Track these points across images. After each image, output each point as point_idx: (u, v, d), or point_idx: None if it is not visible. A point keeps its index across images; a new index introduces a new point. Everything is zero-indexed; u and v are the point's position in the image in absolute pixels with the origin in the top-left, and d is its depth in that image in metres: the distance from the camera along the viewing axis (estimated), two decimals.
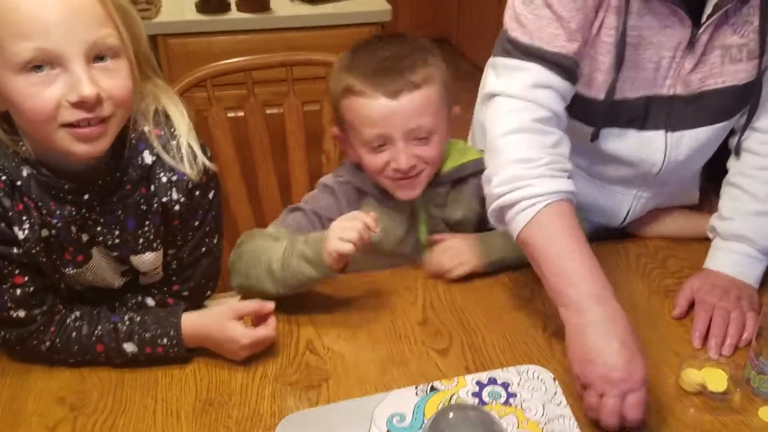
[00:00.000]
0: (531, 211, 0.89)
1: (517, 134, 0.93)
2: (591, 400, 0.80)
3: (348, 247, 0.90)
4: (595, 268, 0.85)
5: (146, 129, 0.86)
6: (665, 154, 1.04)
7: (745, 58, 0.98)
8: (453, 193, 1.11)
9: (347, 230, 0.91)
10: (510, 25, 0.97)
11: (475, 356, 0.93)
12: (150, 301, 0.95)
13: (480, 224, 1.11)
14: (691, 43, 0.96)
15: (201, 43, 1.92)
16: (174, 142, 0.88)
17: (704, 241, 1.10)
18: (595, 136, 1.02)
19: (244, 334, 0.88)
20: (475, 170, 1.06)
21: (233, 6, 1.98)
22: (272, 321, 0.90)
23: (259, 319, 0.91)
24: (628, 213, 1.15)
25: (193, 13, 1.96)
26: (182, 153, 0.88)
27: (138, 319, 0.89)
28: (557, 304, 0.87)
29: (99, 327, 0.88)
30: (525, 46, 0.94)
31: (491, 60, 1.01)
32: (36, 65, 0.73)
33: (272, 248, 0.98)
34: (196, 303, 0.98)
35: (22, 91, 0.74)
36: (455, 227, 1.11)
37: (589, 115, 1.01)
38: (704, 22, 0.95)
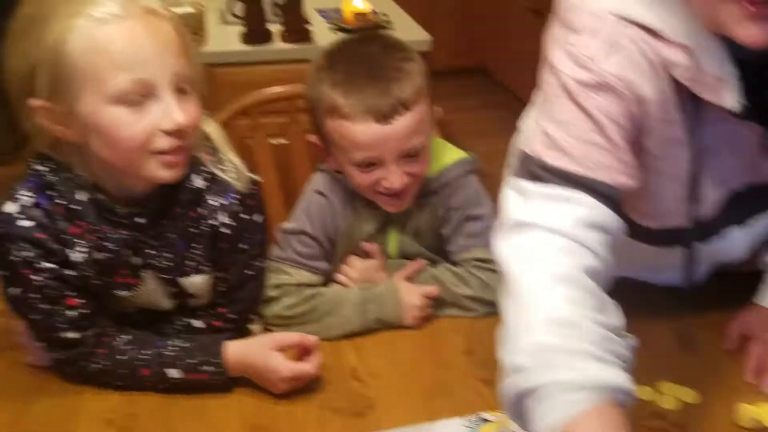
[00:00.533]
0: (564, 410, 0.63)
1: (558, 285, 0.70)
2: None
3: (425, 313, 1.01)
4: None
5: (198, 154, 0.89)
6: (744, 247, 0.98)
7: None
8: (422, 199, 1.06)
9: (420, 303, 1.01)
10: (540, 150, 0.78)
11: None
12: (197, 323, 0.96)
13: (437, 235, 1.09)
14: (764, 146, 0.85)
15: (245, 72, 1.96)
16: (219, 161, 0.91)
17: (757, 274, 1.08)
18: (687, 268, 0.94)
19: (286, 366, 0.88)
20: (449, 179, 1.06)
21: (276, 36, 2.03)
22: (316, 359, 0.90)
23: (302, 353, 0.91)
24: (691, 270, 0.98)
25: (238, 43, 2.01)
26: (229, 168, 0.91)
27: (183, 345, 0.90)
28: None
29: (145, 351, 0.90)
30: (567, 173, 0.76)
31: (512, 182, 0.81)
32: (131, 95, 0.76)
33: (340, 319, 1.01)
34: (242, 325, 0.99)
35: (117, 120, 0.77)
36: (416, 233, 1.08)
37: (656, 238, 0.94)
38: None
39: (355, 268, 1.07)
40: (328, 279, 1.07)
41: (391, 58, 0.98)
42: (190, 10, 1.91)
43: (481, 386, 0.92)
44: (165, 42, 0.78)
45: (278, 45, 2.02)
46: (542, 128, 0.80)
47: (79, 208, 0.83)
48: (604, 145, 0.77)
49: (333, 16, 2.21)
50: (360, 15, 2.10)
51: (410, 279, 1.05)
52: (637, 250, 0.94)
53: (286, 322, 1.00)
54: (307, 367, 0.89)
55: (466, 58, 3.99)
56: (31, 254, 0.82)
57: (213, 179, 0.90)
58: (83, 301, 0.86)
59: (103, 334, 0.89)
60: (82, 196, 0.83)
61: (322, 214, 1.05)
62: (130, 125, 0.77)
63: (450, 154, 1.07)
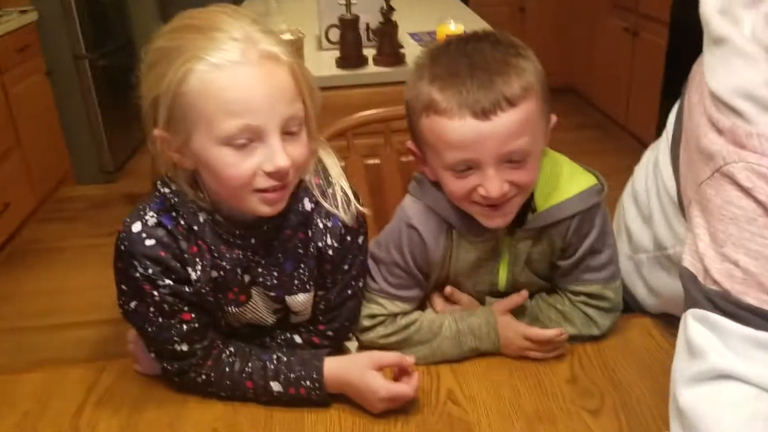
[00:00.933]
0: None
1: None
2: None
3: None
4: None
5: (307, 178, 0.91)
6: None
7: None
8: (542, 230, 0.97)
9: (521, 345, 0.97)
10: (734, 287, 0.65)
11: (629, 418, 0.87)
12: (297, 338, 0.98)
13: (550, 264, 1.01)
14: None
15: (340, 95, 2.00)
16: (330, 190, 0.92)
17: None
18: None
19: (384, 386, 0.88)
20: (575, 213, 0.95)
21: (370, 61, 2.06)
22: (414, 380, 0.90)
23: (400, 373, 0.91)
24: None
25: (333, 68, 2.06)
26: (338, 200, 0.92)
27: (285, 359, 0.92)
28: None
29: (249, 364, 0.92)
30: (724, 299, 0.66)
31: (700, 313, 0.68)
32: (238, 138, 0.79)
33: (435, 350, 0.98)
34: (339, 342, 1.00)
35: (223, 160, 0.80)
36: (528, 262, 1.00)
37: None
38: None
39: (450, 304, 1.03)
40: (422, 304, 1.05)
41: (500, 53, 0.86)
42: (290, 37, 1.97)
43: (586, 415, 0.89)
44: (279, 89, 0.79)
45: (372, 68, 2.05)
46: (731, 258, 0.66)
47: (199, 228, 0.86)
48: None
49: (426, 39, 2.23)
50: None
51: (511, 311, 1.00)
52: None
53: (379, 348, 0.99)
54: (404, 388, 0.89)
55: (557, 77, 3.93)
56: (153, 271, 0.85)
57: (322, 198, 0.92)
58: (196, 315, 0.89)
59: (212, 347, 0.92)
60: (201, 217, 0.87)
61: (413, 248, 0.97)
62: (235, 166, 0.80)
63: (578, 181, 0.95)
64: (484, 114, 0.83)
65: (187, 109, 0.78)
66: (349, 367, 0.91)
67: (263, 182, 0.81)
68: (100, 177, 3.48)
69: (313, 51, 2.24)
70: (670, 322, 1.04)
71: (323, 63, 2.11)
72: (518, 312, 1.01)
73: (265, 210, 0.84)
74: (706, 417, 0.63)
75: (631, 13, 3.47)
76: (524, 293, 1.00)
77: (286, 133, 0.81)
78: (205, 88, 0.77)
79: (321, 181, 0.92)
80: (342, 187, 0.93)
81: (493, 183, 0.86)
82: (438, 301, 1.04)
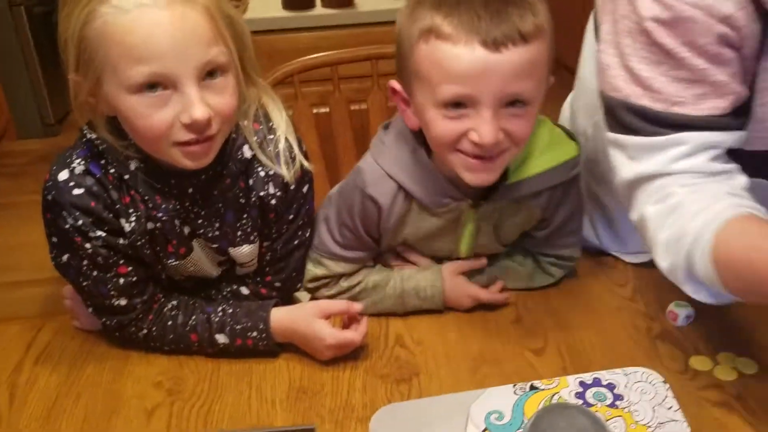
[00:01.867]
0: (709, 236, 0.71)
1: (654, 205, 0.78)
2: None
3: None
4: None
5: (245, 123, 0.87)
6: None
7: None
8: (518, 201, 0.92)
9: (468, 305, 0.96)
10: (630, 91, 0.78)
11: (573, 357, 0.89)
12: (244, 290, 0.96)
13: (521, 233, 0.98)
14: None
15: (286, 39, 1.94)
16: (272, 138, 0.88)
17: None
18: None
19: (331, 334, 0.87)
20: (557, 183, 0.91)
21: (318, 2, 2.00)
22: (362, 327, 0.89)
23: (349, 321, 0.91)
24: None
25: (279, 9, 1.98)
26: (279, 150, 0.88)
27: (230, 311, 0.90)
28: None
29: (193, 317, 0.90)
30: (660, 117, 0.76)
31: (612, 138, 0.82)
32: (149, 86, 0.74)
33: (379, 306, 0.97)
34: (287, 293, 0.98)
35: (135, 110, 0.75)
36: (500, 233, 0.96)
37: None
38: None
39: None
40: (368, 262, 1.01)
41: None
42: None
43: (530, 355, 0.90)
44: (191, 32, 0.74)
45: (320, 10, 1.98)
46: (629, 64, 0.77)
47: (130, 177, 0.83)
48: (693, 77, 0.75)
49: None
50: None
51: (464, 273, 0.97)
52: None
53: None
54: (352, 334, 0.88)
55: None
56: (83, 222, 0.82)
57: (262, 147, 0.88)
58: (133, 268, 0.87)
59: (153, 301, 0.90)
60: (132, 165, 0.83)
61: (366, 215, 0.92)
62: (147, 117, 0.75)
63: (559, 151, 0.90)
64: (494, 45, 0.74)
65: (92, 53, 0.74)
66: (295, 315, 0.90)
67: (182, 135, 0.76)
68: (41, 130, 3.33)
69: None
70: (612, 264, 1.06)
71: (269, 4, 2.03)
72: (475, 271, 0.99)
73: (188, 164, 0.80)
74: (640, 202, 0.79)
75: None
76: (483, 260, 0.98)
77: (206, 81, 0.76)
78: (108, 32, 0.72)
79: (261, 126, 0.88)
80: (286, 138, 0.89)
81: (489, 127, 0.77)
82: (398, 263, 1.01)
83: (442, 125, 0.80)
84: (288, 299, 0.98)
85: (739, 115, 0.77)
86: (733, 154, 0.80)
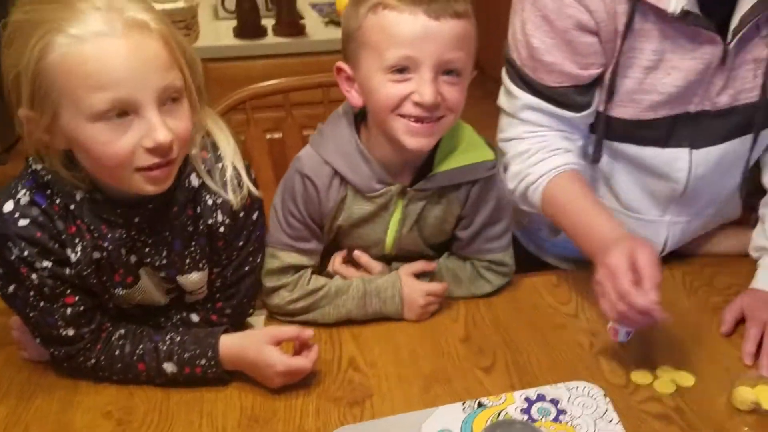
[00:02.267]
0: (536, 194, 1.02)
1: (513, 140, 1.05)
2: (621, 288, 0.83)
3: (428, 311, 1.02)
4: (606, 217, 0.95)
5: (193, 152, 0.87)
6: (689, 172, 1.02)
7: None
8: (439, 194, 1.00)
9: (423, 303, 1.00)
10: (513, 44, 1.03)
11: (520, 374, 0.92)
12: (194, 317, 0.96)
13: (443, 231, 1.04)
14: (723, 60, 0.95)
15: (238, 67, 1.96)
16: (219, 165, 0.89)
17: (751, 258, 1.09)
18: (597, 150, 1.05)
19: (281, 361, 0.87)
20: (475, 179, 0.99)
21: (269, 31, 2.02)
22: (313, 354, 0.90)
23: (301, 347, 0.91)
24: (666, 242, 1.11)
25: (231, 38, 2.00)
26: (226, 178, 0.89)
27: (178, 339, 0.90)
28: (590, 257, 0.93)
29: (141, 346, 0.89)
30: (523, 74, 1.02)
31: (504, 76, 1.06)
32: (111, 113, 0.74)
33: (340, 309, 1.00)
34: (239, 320, 0.99)
35: (96, 138, 0.75)
36: (421, 226, 1.02)
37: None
38: (731, 39, 0.93)
39: (355, 267, 1.04)
40: (319, 258, 1.05)
41: None
42: (182, 5, 1.90)
43: (480, 373, 0.92)
44: (149, 58, 0.75)
45: (272, 39, 2.01)
46: (525, 24, 0.99)
47: (76, 207, 0.82)
48: (562, 46, 0.97)
49: (327, 10, 2.21)
50: None
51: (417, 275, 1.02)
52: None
53: (286, 313, 1.00)
54: (302, 361, 0.88)
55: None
56: (29, 253, 0.81)
57: (209, 175, 0.88)
58: (80, 298, 0.86)
59: (101, 330, 0.89)
60: (78, 195, 0.82)
61: (306, 197, 0.98)
62: (110, 143, 0.75)
63: (480, 151, 1.00)
64: (435, 14, 0.85)
65: (49, 85, 0.74)
66: (245, 342, 0.90)
67: (145, 160, 0.77)
68: None
69: (210, 20, 2.18)
70: (556, 282, 1.10)
71: (220, 33, 2.05)
72: (421, 276, 1.03)
73: (150, 189, 0.80)
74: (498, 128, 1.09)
75: None
76: (433, 264, 1.03)
77: (166, 106, 0.78)
78: (66, 63, 0.73)
79: (209, 155, 0.89)
80: (234, 166, 0.90)
81: (429, 87, 0.87)
82: (350, 271, 1.04)
83: (387, 88, 0.88)
84: (239, 325, 0.99)
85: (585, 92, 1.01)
86: (598, 124, 1.02)
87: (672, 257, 1.15)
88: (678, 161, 1.02)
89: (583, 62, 0.99)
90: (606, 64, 0.99)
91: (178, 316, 0.96)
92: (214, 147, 0.90)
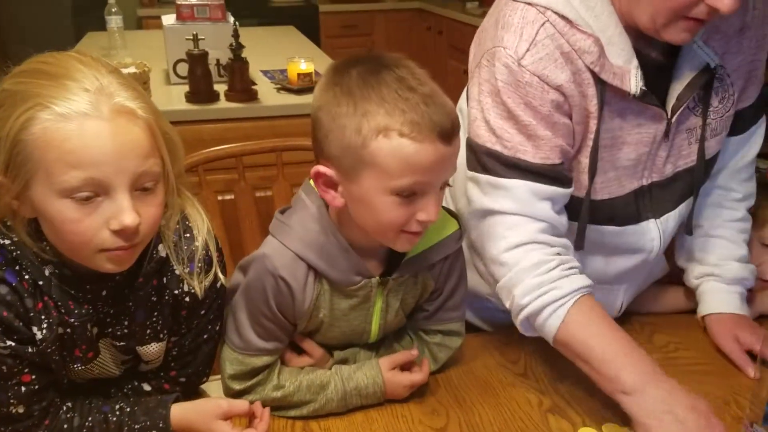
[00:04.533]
0: (562, 311, 0.94)
1: (523, 246, 0.97)
2: None
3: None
4: (638, 350, 0.91)
5: (162, 222, 0.86)
6: (659, 241, 1.09)
7: (710, 137, 1.06)
8: (415, 275, 0.98)
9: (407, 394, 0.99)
10: (487, 138, 0.97)
11: None
12: (146, 387, 0.95)
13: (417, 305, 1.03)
14: (666, 134, 1.02)
15: (191, 130, 1.97)
16: (188, 237, 0.89)
17: (683, 314, 1.17)
18: (580, 238, 1.02)
19: None
20: (447, 254, 0.98)
21: (222, 96, 2.06)
22: (263, 425, 0.88)
23: (252, 415, 0.90)
24: (621, 306, 1.17)
25: (183, 102, 2.03)
26: (195, 262, 0.88)
27: (128, 409, 0.88)
28: (615, 394, 0.91)
29: (90, 418, 0.87)
30: (508, 160, 0.96)
31: (470, 175, 1.00)
32: (81, 192, 0.74)
33: (322, 408, 0.96)
34: (193, 388, 0.98)
35: (63, 214, 0.75)
36: (404, 309, 1.01)
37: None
38: (673, 114, 1.00)
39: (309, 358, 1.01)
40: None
41: (419, 76, 0.85)
42: (133, 70, 1.92)
43: None
44: (130, 144, 0.76)
45: (225, 104, 2.05)
46: (487, 117, 0.97)
47: (44, 283, 0.80)
48: (534, 133, 0.95)
49: (278, 77, 2.26)
50: (303, 75, 2.16)
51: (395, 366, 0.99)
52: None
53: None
54: None
55: None
56: None
57: (178, 247, 0.88)
58: (37, 377, 0.83)
59: (51, 405, 0.86)
60: (47, 271, 0.81)
61: (280, 299, 0.92)
62: (77, 222, 0.75)
63: (445, 225, 0.98)
64: (447, 139, 0.83)
65: (26, 156, 0.74)
66: (195, 415, 0.88)
67: (109, 242, 0.77)
68: None
69: (162, 85, 2.20)
70: (506, 342, 1.13)
71: (172, 97, 2.07)
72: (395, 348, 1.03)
73: (110, 267, 0.80)
74: (489, 237, 1.00)
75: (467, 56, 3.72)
76: (415, 352, 1.00)
77: (138, 190, 0.78)
78: (48, 138, 0.73)
79: (177, 226, 0.88)
80: (207, 248, 0.89)
81: (435, 207, 0.85)
82: (291, 355, 1.01)
83: (395, 211, 0.84)
84: (192, 393, 0.98)
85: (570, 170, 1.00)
86: (579, 211, 1.01)
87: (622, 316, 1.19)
88: (650, 232, 1.08)
89: (569, 141, 0.99)
90: (573, 146, 1.00)
91: (129, 386, 0.94)
92: (187, 229, 0.90)
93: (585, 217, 1.02)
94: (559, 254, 0.98)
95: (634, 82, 0.95)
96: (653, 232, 1.08)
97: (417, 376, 0.99)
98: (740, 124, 1.11)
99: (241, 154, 1.47)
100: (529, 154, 0.96)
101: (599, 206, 1.04)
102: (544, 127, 0.95)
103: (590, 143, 0.99)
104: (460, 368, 1.07)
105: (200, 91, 2.02)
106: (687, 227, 1.12)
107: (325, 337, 1.00)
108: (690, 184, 1.08)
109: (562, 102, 0.95)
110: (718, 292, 1.13)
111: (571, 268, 0.97)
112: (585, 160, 1.00)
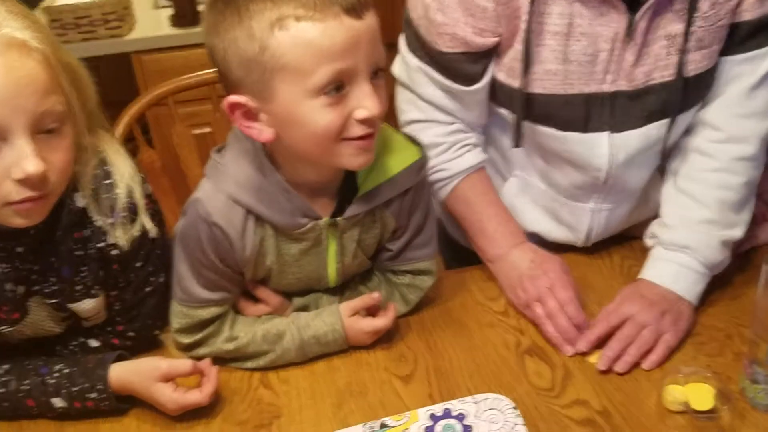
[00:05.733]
0: (447, 188, 1.02)
1: (418, 123, 1.00)
2: (537, 312, 0.92)
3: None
4: (510, 223, 1.01)
5: (76, 168, 0.79)
6: (609, 159, 0.94)
7: (693, 48, 0.88)
8: (373, 212, 0.89)
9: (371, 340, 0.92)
10: (413, 4, 0.95)
11: (440, 382, 0.86)
12: (93, 343, 0.90)
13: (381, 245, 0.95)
14: (630, 32, 0.86)
15: (177, 57, 1.88)
16: (111, 195, 0.81)
17: None
18: (516, 133, 0.97)
19: (171, 400, 0.81)
20: (408, 187, 0.89)
21: None
22: (209, 387, 0.82)
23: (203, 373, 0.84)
24: (591, 230, 1.03)
25: (168, 27, 1.91)
26: (117, 209, 0.81)
27: (66, 371, 0.83)
28: (485, 260, 1.02)
29: (27, 381, 0.83)
30: (418, 35, 0.95)
31: (399, 38, 1.00)
32: None
33: (280, 358, 0.90)
34: (144, 342, 0.93)
35: None
36: (365, 250, 0.93)
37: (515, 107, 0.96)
38: (641, 8, 0.85)
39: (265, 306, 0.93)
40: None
41: None
42: None
43: (397, 382, 0.87)
44: (25, 81, 0.69)
45: None
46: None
47: None
48: (462, 10, 0.90)
49: None
50: None
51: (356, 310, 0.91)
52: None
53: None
54: (196, 397, 0.82)
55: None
56: None
57: (97, 196, 0.82)
58: None
59: None
60: None
61: (217, 247, 0.84)
62: None
63: (404, 154, 0.88)
64: (355, 11, 0.72)
65: None
66: (133, 378, 0.82)
67: (15, 193, 0.71)
68: None
69: (148, 9, 2.08)
70: (489, 277, 1.03)
71: (157, 22, 1.96)
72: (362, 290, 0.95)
73: (20, 222, 0.74)
74: (398, 104, 1.04)
75: None
76: (377, 295, 0.91)
77: (41, 133, 0.71)
78: None
79: (98, 172, 0.82)
80: (130, 194, 0.82)
81: (374, 98, 0.75)
82: (246, 304, 0.94)
83: (325, 116, 0.74)
84: (146, 347, 0.92)
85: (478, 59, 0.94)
86: (513, 103, 0.95)
87: (611, 241, 1.07)
88: (598, 147, 0.94)
89: (477, 27, 0.90)
90: (504, 33, 0.90)
91: (75, 343, 0.90)
92: (107, 175, 0.82)
93: (520, 112, 0.94)
94: (455, 132, 1.00)
95: None
96: (603, 147, 0.93)
97: (380, 322, 0.90)
98: (739, 40, 0.91)
99: (215, 81, 1.37)
100: (447, 40, 0.92)
101: (536, 101, 0.92)
102: (450, 9, 0.90)
103: (523, 26, 0.87)
104: (435, 309, 0.98)
105: (185, 13, 1.90)
106: (662, 154, 0.96)
107: (279, 285, 0.92)
108: (673, 102, 0.91)
109: None
110: (655, 259, 0.95)
111: (464, 146, 1.00)
112: (519, 46, 0.89)
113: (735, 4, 0.88)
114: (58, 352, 0.89)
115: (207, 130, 1.43)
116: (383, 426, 0.76)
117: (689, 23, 0.86)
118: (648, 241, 0.98)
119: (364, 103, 0.74)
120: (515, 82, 0.92)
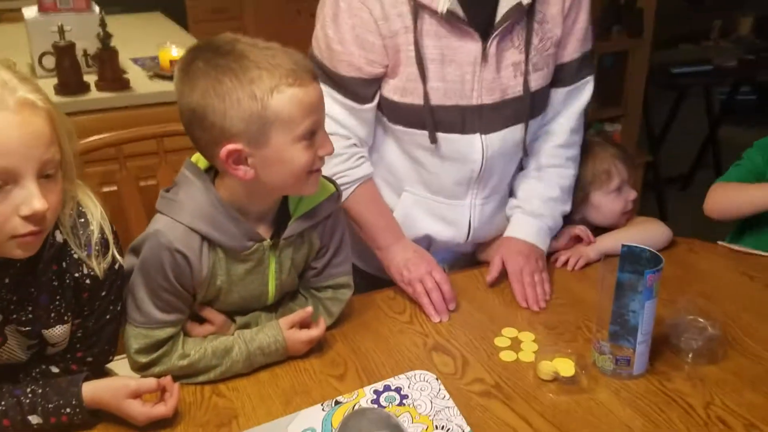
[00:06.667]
0: (348, 191, 1.26)
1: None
2: (417, 289, 1.20)
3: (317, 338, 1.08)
4: (393, 224, 1.30)
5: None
6: (483, 155, 1.25)
7: (532, 71, 1.22)
8: (301, 235, 1.09)
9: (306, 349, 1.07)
10: (316, 43, 1.22)
11: (368, 375, 1.05)
12: (54, 369, 0.98)
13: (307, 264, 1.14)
14: (485, 56, 1.17)
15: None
16: (83, 221, 0.93)
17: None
18: (432, 139, 1.23)
19: (141, 413, 0.92)
20: (328, 214, 1.10)
21: (93, 86, 2.02)
22: (173, 400, 0.94)
23: (163, 389, 0.95)
24: (471, 223, 1.33)
25: (52, 95, 1.95)
26: (92, 245, 0.93)
27: (40, 391, 0.91)
28: (375, 248, 1.29)
29: (3, 402, 0.90)
30: (322, 66, 1.20)
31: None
32: None
33: (228, 370, 1.03)
34: (99, 367, 1.02)
35: None
36: (297, 268, 1.11)
37: (419, 121, 1.23)
38: (489, 39, 1.16)
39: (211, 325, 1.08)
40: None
41: (249, 36, 0.97)
42: None
43: (334, 381, 1.04)
44: (35, 134, 0.81)
45: (96, 94, 2.01)
46: (325, 23, 1.19)
47: None
48: (351, 49, 1.18)
49: (149, 64, 2.24)
50: (176, 62, 2.15)
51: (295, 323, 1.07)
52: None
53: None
54: (162, 410, 0.93)
55: None
56: None
57: (75, 232, 0.93)
58: None
59: None
60: None
61: (178, 271, 0.98)
62: None
63: (326, 187, 1.10)
64: (315, 76, 0.97)
65: None
66: (104, 396, 0.92)
67: (21, 228, 0.81)
68: None
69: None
70: (392, 296, 1.25)
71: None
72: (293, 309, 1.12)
73: (20, 254, 0.84)
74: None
75: None
76: (309, 309, 1.08)
77: (42, 178, 0.82)
78: None
79: (72, 212, 0.93)
80: (102, 231, 0.94)
81: (329, 139, 1.00)
82: (193, 325, 1.07)
83: (304, 156, 0.96)
84: (99, 372, 1.02)
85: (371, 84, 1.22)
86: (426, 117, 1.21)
87: (481, 265, 1.35)
88: (474, 144, 1.24)
89: (368, 58, 1.18)
90: (389, 64, 1.19)
91: (37, 370, 0.97)
92: (81, 215, 0.94)
93: (430, 122, 1.21)
94: (354, 145, 1.26)
95: (442, 2, 1.11)
96: (477, 145, 1.24)
97: (314, 332, 1.08)
98: (566, 76, 1.30)
99: (120, 142, 1.47)
100: (343, 67, 1.19)
101: (435, 112, 1.21)
102: (347, 42, 1.17)
103: (411, 54, 1.17)
104: (354, 322, 1.18)
105: (70, 83, 1.97)
106: (524, 150, 1.31)
107: (225, 304, 1.07)
108: (523, 111, 1.25)
109: (371, 20, 1.15)
110: (518, 222, 1.32)
111: (360, 157, 1.27)
112: (412, 69, 1.19)
113: (555, 41, 1.23)
114: (20, 379, 0.96)
115: (112, 188, 1.51)
116: (337, 403, 0.93)
117: (527, 54, 1.21)
118: (509, 211, 1.35)
119: (326, 144, 1.00)
120: (416, 100, 1.20)
